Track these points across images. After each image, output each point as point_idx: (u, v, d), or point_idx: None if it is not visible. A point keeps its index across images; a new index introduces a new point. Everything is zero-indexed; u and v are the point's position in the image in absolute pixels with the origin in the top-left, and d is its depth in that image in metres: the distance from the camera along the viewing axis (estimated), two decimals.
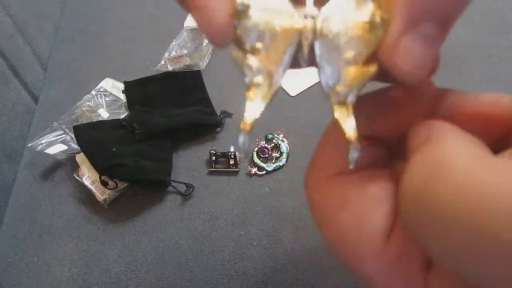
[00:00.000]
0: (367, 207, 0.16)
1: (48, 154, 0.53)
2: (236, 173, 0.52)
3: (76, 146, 0.53)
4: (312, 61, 0.17)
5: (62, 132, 0.55)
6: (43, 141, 0.54)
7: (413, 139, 0.16)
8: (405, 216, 0.14)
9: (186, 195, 0.50)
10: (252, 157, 0.52)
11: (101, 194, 0.50)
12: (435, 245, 0.13)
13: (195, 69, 0.61)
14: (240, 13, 0.15)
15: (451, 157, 0.13)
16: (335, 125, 0.16)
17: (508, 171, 0.12)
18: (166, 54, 0.63)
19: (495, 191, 0.12)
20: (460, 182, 0.12)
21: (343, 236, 0.16)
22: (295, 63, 0.17)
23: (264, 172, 0.51)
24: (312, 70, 0.17)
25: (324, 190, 0.17)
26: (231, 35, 0.16)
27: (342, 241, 0.16)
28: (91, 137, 0.52)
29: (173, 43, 0.64)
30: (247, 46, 0.16)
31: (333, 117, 0.16)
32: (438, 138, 0.14)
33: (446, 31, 0.15)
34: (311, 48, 0.16)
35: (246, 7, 0.15)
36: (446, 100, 0.17)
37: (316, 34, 0.16)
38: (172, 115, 0.55)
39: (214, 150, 0.52)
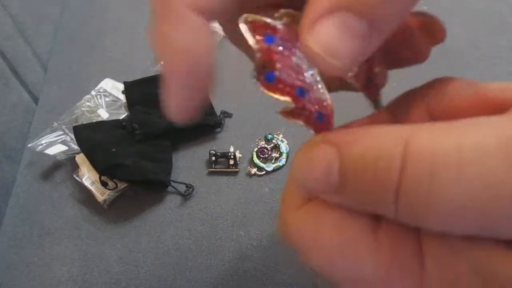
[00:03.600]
0: (344, 221, 0.16)
1: (48, 155, 0.53)
2: (236, 173, 0.52)
3: (76, 147, 0.53)
4: None
5: (62, 132, 0.55)
6: (43, 142, 0.54)
7: None
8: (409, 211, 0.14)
9: (186, 195, 0.50)
10: (252, 157, 0.52)
11: (101, 194, 0.50)
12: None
13: None
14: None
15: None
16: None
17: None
18: None
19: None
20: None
21: (330, 254, 0.16)
22: None
23: (263, 172, 0.51)
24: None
25: (298, 219, 0.17)
26: None
27: (330, 259, 0.16)
28: (91, 137, 0.52)
29: None
30: None
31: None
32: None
33: (377, 31, 0.14)
34: None
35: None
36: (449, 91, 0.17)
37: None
38: None
39: (214, 150, 0.52)
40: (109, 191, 0.49)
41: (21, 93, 0.60)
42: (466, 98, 0.17)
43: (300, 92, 0.18)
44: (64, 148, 0.53)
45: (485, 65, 0.59)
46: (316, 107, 0.19)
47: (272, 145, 0.53)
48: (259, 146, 0.53)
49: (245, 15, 0.17)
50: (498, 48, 0.61)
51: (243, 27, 0.17)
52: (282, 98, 0.18)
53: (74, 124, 0.54)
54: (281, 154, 0.52)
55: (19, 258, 0.48)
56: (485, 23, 0.64)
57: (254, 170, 0.52)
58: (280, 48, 0.18)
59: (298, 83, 0.18)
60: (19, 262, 0.48)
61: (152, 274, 0.46)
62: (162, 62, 0.17)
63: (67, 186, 0.53)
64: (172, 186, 0.50)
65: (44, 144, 0.53)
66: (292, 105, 0.18)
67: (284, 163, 0.52)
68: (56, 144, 0.54)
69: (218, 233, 0.48)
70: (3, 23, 0.58)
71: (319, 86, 0.19)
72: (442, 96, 0.17)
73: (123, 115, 0.57)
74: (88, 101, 0.58)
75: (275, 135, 0.54)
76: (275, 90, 0.18)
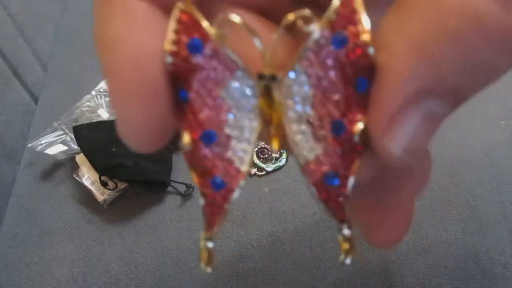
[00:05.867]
0: None
1: (48, 155, 0.53)
2: None
3: (76, 147, 0.53)
4: None
5: (62, 132, 0.55)
6: (43, 142, 0.54)
7: None
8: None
9: (186, 195, 0.50)
10: (252, 157, 0.52)
11: (101, 194, 0.50)
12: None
13: None
14: None
15: None
16: None
17: None
18: None
19: None
20: None
21: None
22: None
23: (264, 172, 0.51)
24: None
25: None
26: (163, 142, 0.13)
27: None
28: (91, 137, 0.52)
29: None
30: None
31: None
32: None
33: (454, 110, 0.12)
34: None
35: None
36: None
37: None
38: None
39: None
40: (109, 191, 0.49)
41: (21, 93, 0.60)
42: None
43: (206, 138, 0.13)
44: (64, 148, 0.53)
45: None
46: (220, 170, 0.13)
47: None
48: (259, 146, 0.53)
49: (180, 3, 0.13)
50: None
51: (173, 16, 0.13)
52: (184, 133, 0.13)
53: (74, 124, 0.54)
54: (281, 154, 0.52)
55: (19, 258, 0.48)
56: None
57: (254, 170, 0.52)
58: (214, 63, 0.12)
59: (207, 126, 0.13)
60: (19, 262, 0.48)
61: (152, 274, 0.46)
62: (105, 69, 0.13)
63: (67, 186, 0.53)
64: (172, 186, 0.50)
65: (44, 144, 0.53)
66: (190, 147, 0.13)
67: (284, 163, 0.52)
68: (56, 144, 0.54)
69: (218, 233, 0.48)
70: (3, 23, 0.58)
71: (243, 146, 0.13)
72: None
73: None
74: (88, 101, 0.58)
75: None
76: (180, 118, 0.13)
